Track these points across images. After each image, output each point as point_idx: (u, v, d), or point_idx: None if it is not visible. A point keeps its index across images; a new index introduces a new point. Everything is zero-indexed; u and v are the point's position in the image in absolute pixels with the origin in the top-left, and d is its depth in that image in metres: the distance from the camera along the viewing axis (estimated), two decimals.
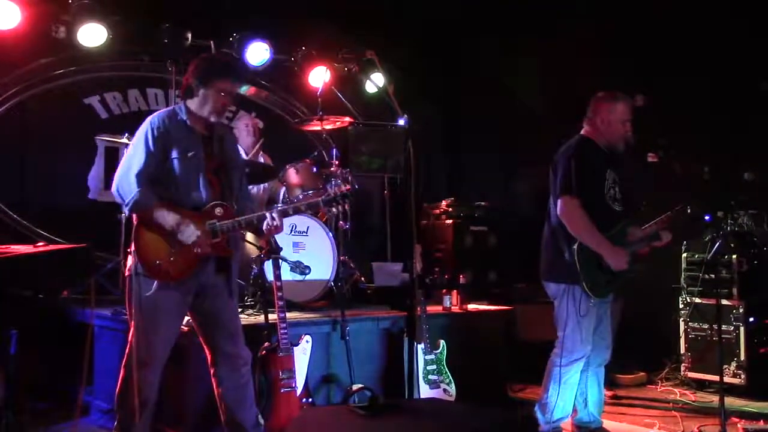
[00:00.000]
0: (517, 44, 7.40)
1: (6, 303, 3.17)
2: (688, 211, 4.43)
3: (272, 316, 4.34)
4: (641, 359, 6.32)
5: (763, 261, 5.87)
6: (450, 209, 7.14)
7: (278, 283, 4.33)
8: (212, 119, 3.77)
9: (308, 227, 5.44)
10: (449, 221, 7.07)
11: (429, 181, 7.44)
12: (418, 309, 4.90)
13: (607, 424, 4.70)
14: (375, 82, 6.96)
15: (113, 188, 3.67)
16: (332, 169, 5.72)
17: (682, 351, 6.07)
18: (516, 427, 3.47)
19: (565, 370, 4.31)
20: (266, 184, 6.17)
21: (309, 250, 5.38)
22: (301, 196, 5.54)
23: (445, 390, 4.98)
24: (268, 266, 4.56)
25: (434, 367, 4.98)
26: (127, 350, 3.66)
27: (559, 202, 4.27)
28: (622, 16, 6.69)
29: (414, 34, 8.00)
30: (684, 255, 6.12)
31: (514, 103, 7.52)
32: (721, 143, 6.09)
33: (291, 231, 5.35)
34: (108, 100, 6.85)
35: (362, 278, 5.96)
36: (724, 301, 5.68)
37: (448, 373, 5.02)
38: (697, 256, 6.04)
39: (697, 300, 5.98)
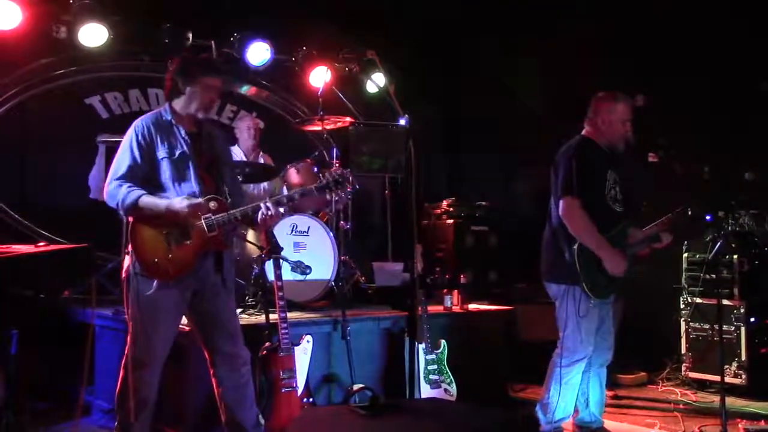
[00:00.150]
0: (517, 44, 7.40)
1: (7, 303, 3.16)
2: (689, 213, 4.42)
3: (273, 316, 4.33)
4: (642, 359, 6.32)
5: (764, 261, 5.87)
6: (451, 209, 7.14)
7: (279, 283, 4.33)
8: (200, 116, 3.80)
9: (309, 227, 5.44)
10: (450, 221, 7.07)
11: (429, 181, 7.43)
12: (419, 309, 4.90)
13: (608, 424, 4.69)
14: (376, 82, 6.96)
15: (105, 196, 3.68)
16: (333, 169, 5.71)
17: (683, 351, 6.06)
18: (517, 427, 3.47)
19: (566, 371, 4.31)
20: (266, 184, 6.18)
21: (310, 250, 5.37)
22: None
23: (446, 390, 4.98)
24: (269, 266, 4.55)
25: (435, 366, 4.98)
26: (126, 350, 3.66)
27: (560, 202, 4.27)
28: (622, 16, 6.69)
29: (414, 34, 8.00)
30: (685, 255, 6.12)
31: (514, 103, 7.52)
32: (721, 143, 6.08)
33: (292, 231, 5.36)
34: (109, 100, 6.85)
35: (363, 278, 5.96)
36: (725, 301, 5.69)
37: (449, 373, 5.02)
38: (698, 256, 6.04)
39: (698, 300, 5.98)
